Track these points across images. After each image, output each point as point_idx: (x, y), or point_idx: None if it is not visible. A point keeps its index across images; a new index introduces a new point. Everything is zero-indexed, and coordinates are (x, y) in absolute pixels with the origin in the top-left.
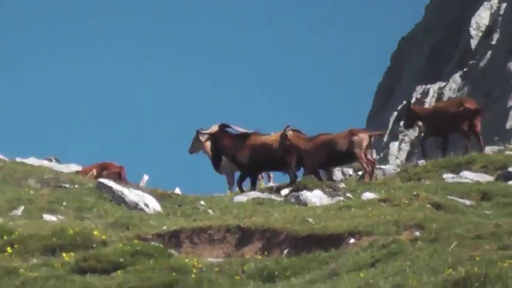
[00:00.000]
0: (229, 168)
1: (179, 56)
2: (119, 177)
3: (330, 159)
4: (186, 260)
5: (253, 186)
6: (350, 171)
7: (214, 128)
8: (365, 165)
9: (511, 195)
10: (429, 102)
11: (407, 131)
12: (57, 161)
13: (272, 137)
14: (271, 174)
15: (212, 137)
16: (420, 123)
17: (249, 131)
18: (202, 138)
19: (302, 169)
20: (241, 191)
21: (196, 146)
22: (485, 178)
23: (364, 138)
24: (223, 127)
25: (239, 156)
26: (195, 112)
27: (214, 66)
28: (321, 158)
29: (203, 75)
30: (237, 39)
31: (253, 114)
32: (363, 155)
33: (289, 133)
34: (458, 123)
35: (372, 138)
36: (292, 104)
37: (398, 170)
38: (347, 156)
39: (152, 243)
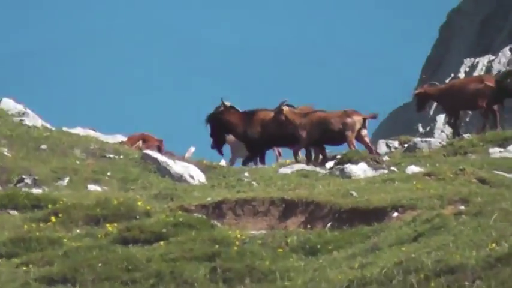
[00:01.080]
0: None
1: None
2: (158, 151)
3: (323, 137)
4: (229, 232)
5: (263, 162)
6: (396, 143)
7: (227, 104)
8: (352, 147)
9: None
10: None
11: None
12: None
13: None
14: (280, 150)
15: (218, 115)
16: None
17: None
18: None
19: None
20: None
21: None
22: None
23: (357, 120)
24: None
25: (250, 132)
26: (240, 87)
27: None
28: (314, 135)
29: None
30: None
31: (297, 88)
32: (353, 139)
33: (285, 108)
34: (477, 100)
35: (367, 121)
36: (337, 76)
37: (444, 143)
38: (339, 137)
39: (195, 214)
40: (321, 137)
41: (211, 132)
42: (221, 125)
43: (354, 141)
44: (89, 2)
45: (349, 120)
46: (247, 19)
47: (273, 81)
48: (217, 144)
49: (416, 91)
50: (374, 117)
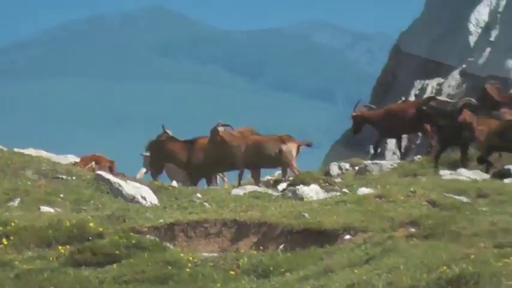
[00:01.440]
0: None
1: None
2: (110, 172)
3: (258, 160)
4: (181, 254)
5: (210, 185)
6: (347, 165)
7: (168, 133)
8: (296, 171)
9: (507, 193)
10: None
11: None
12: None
13: None
14: (225, 175)
15: (161, 144)
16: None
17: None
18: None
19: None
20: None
21: None
22: (481, 176)
23: (293, 147)
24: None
25: (193, 160)
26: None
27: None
28: (250, 158)
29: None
30: None
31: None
32: (294, 163)
33: (221, 129)
34: (415, 124)
35: (300, 148)
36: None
37: (395, 165)
38: (274, 161)
39: (148, 236)
40: (256, 160)
41: (152, 160)
42: (162, 154)
43: (296, 166)
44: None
45: (284, 146)
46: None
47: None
48: (156, 172)
49: (353, 113)
50: (308, 145)
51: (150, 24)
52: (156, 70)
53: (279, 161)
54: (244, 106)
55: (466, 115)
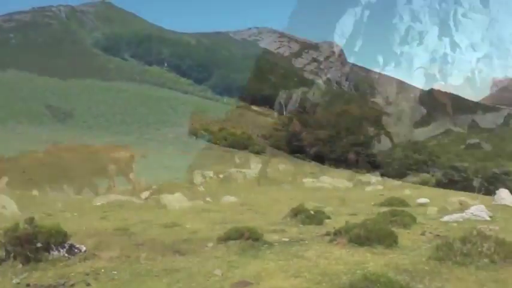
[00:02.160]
0: None
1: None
2: None
3: (93, 170)
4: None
5: None
6: (211, 173)
7: None
8: (112, 183)
9: (367, 201)
10: (294, 106)
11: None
12: None
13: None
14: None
15: None
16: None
17: None
18: None
19: None
20: None
21: None
22: (343, 183)
23: (123, 156)
24: None
25: None
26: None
27: None
28: (84, 169)
29: None
30: None
31: None
32: (113, 172)
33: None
34: None
35: (134, 157)
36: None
37: (259, 174)
38: (104, 170)
39: None
40: (94, 170)
41: None
42: None
43: (113, 175)
44: None
45: (113, 155)
46: None
47: None
48: None
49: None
50: (143, 156)
51: (98, 20)
52: (101, 67)
53: (113, 169)
54: (188, 108)
55: (296, 126)
